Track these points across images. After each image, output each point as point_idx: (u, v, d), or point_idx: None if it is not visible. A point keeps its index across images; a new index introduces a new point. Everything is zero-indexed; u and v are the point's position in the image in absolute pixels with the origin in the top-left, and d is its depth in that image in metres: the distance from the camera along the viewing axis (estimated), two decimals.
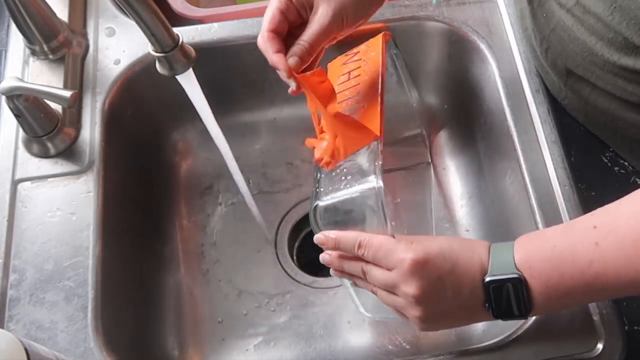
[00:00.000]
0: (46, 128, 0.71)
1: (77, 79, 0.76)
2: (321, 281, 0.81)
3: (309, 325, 0.79)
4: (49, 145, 0.72)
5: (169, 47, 0.60)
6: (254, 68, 0.83)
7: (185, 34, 0.73)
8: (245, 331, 0.78)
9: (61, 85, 0.74)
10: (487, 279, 0.52)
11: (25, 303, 0.64)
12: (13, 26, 0.78)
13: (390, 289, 0.55)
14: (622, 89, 0.62)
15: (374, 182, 0.56)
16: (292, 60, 0.55)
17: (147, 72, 0.77)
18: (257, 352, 0.77)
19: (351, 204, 0.57)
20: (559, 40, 0.66)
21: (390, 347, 0.76)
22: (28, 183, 0.70)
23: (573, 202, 0.67)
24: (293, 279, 0.82)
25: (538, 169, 0.69)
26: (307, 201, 0.87)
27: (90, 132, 0.73)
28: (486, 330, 0.69)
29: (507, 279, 0.51)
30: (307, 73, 0.57)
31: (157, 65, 0.62)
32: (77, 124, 0.74)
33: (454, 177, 0.87)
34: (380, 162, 0.57)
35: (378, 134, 0.60)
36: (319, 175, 0.60)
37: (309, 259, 0.86)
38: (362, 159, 0.59)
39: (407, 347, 0.75)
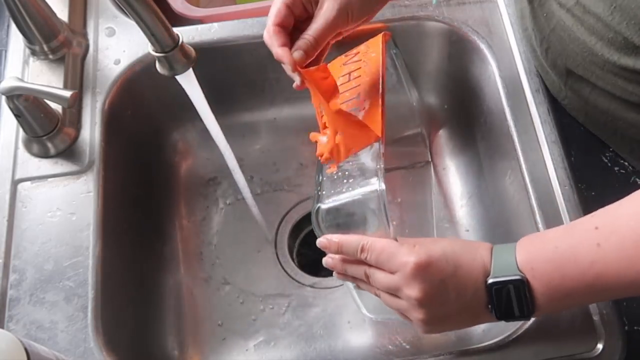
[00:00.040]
0: (46, 128, 0.71)
1: (77, 79, 0.76)
2: (321, 281, 0.81)
3: (309, 325, 0.79)
4: (49, 145, 0.72)
5: (169, 47, 0.60)
6: (254, 68, 0.83)
7: (185, 34, 0.73)
8: (245, 331, 0.78)
9: (61, 85, 0.74)
10: (490, 280, 0.52)
11: (25, 303, 0.64)
12: (13, 26, 0.78)
13: (393, 292, 0.55)
14: (622, 88, 0.62)
15: (376, 184, 0.56)
16: (297, 54, 0.56)
17: (147, 72, 0.77)
18: (257, 352, 0.77)
19: (353, 206, 0.57)
20: (559, 40, 0.66)
21: (390, 347, 0.76)
22: (28, 183, 0.70)
23: (573, 202, 0.67)
24: (293, 279, 0.82)
25: (538, 169, 0.69)
26: (308, 201, 0.87)
27: (90, 132, 0.73)
28: (486, 330, 0.69)
29: (510, 280, 0.51)
30: (312, 68, 0.57)
31: (157, 65, 0.62)
32: (77, 124, 0.74)
33: (454, 177, 0.87)
34: (382, 165, 0.58)
35: (380, 135, 0.60)
36: (320, 178, 0.60)
37: (309, 259, 0.86)
38: (364, 161, 0.59)
39: (407, 347, 0.75)
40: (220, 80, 0.84)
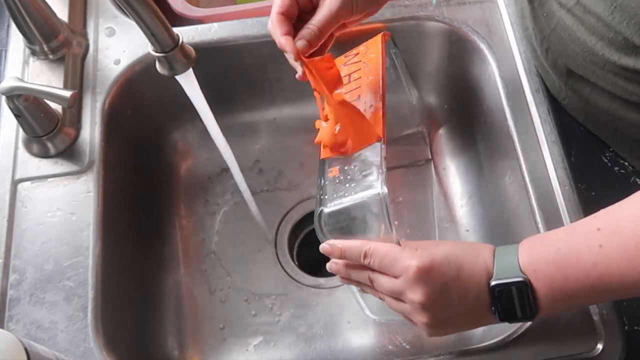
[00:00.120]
0: (46, 128, 0.71)
1: (77, 79, 0.76)
2: (321, 281, 0.81)
3: (309, 325, 0.79)
4: (49, 145, 0.72)
5: (169, 47, 0.60)
6: (254, 68, 0.83)
7: (185, 34, 0.73)
8: (245, 331, 0.78)
9: (61, 85, 0.74)
10: (493, 282, 0.52)
11: (25, 303, 0.64)
12: (13, 26, 0.78)
13: (397, 296, 0.55)
14: (622, 88, 0.62)
15: (378, 188, 0.56)
16: (300, 44, 0.55)
17: (147, 72, 0.77)
18: (257, 352, 0.77)
19: (356, 210, 0.57)
20: (560, 40, 0.66)
21: (390, 347, 0.76)
22: (28, 183, 0.70)
23: (573, 202, 0.67)
24: (293, 279, 0.82)
25: (538, 169, 0.69)
26: (308, 201, 0.87)
27: (90, 132, 0.73)
28: (486, 331, 0.69)
29: (513, 282, 0.52)
30: (316, 58, 0.57)
31: (157, 65, 0.62)
32: (77, 124, 0.74)
33: (454, 177, 0.87)
34: (384, 169, 0.58)
35: (381, 134, 0.60)
36: (322, 181, 0.60)
37: (309, 259, 0.86)
38: (366, 164, 0.59)
39: (407, 347, 0.75)
40: (220, 80, 0.84)
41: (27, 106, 0.67)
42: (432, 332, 0.55)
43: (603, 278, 0.49)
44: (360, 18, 0.61)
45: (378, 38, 0.71)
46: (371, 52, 0.70)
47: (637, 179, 0.69)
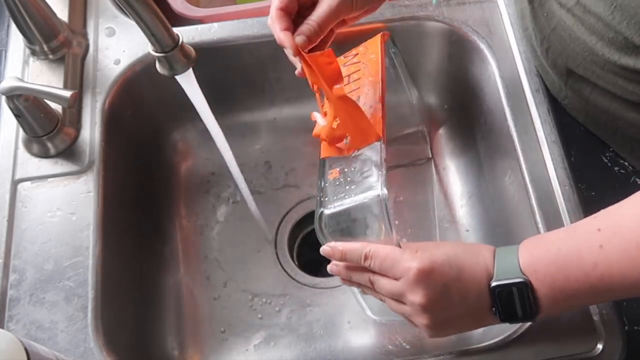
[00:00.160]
0: (46, 128, 0.71)
1: (77, 79, 0.76)
2: (321, 281, 0.81)
3: (309, 325, 0.79)
4: (49, 145, 0.72)
5: (169, 47, 0.60)
6: (254, 68, 0.83)
7: (185, 34, 0.73)
8: (245, 331, 0.78)
9: (61, 85, 0.74)
10: (493, 283, 0.52)
11: (25, 303, 0.64)
12: (13, 26, 0.78)
13: (398, 298, 0.55)
14: (622, 88, 0.62)
15: (378, 190, 0.56)
16: (299, 39, 0.55)
17: (147, 72, 0.77)
18: (257, 352, 0.77)
19: (356, 212, 0.57)
20: (560, 40, 0.66)
21: (390, 347, 0.76)
22: (28, 183, 0.70)
23: (573, 202, 0.67)
24: (293, 279, 0.82)
25: (538, 169, 0.69)
26: (308, 201, 0.87)
27: (90, 132, 0.73)
28: (486, 331, 0.69)
29: (513, 283, 0.52)
30: (316, 53, 0.56)
31: (157, 65, 0.62)
32: (77, 124, 0.74)
33: (454, 177, 0.87)
34: (384, 170, 0.58)
35: (380, 133, 0.60)
36: (323, 183, 0.60)
37: (309, 259, 0.86)
38: (366, 166, 0.59)
39: (407, 347, 0.75)
40: (220, 80, 0.84)
41: (27, 106, 0.67)
42: (433, 333, 0.55)
43: (604, 278, 0.49)
44: (360, 15, 0.61)
45: (377, 38, 0.71)
46: (370, 52, 0.70)
47: (637, 179, 0.69)
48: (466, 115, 0.84)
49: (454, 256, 0.54)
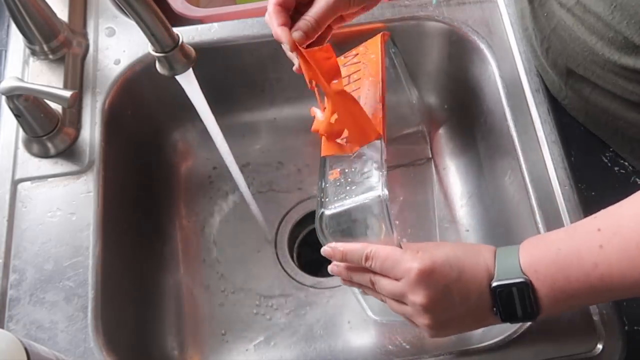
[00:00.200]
0: (46, 128, 0.71)
1: (77, 79, 0.76)
2: (321, 281, 0.81)
3: (309, 325, 0.79)
4: (49, 145, 0.72)
5: (169, 47, 0.60)
6: (254, 68, 0.83)
7: (185, 34, 0.73)
8: (245, 331, 0.78)
9: (61, 85, 0.74)
10: (494, 284, 0.53)
11: (25, 303, 0.64)
12: (13, 26, 0.78)
13: (399, 299, 0.55)
14: (622, 88, 0.62)
15: (379, 190, 0.56)
16: (297, 35, 0.55)
17: (147, 72, 0.77)
18: (257, 352, 0.77)
19: (357, 212, 0.57)
20: (560, 40, 0.66)
21: (390, 347, 0.76)
22: (28, 183, 0.70)
23: (573, 202, 0.67)
24: (293, 279, 0.82)
25: (538, 169, 0.69)
26: (308, 201, 0.87)
27: (90, 132, 0.73)
28: (486, 331, 0.69)
29: (514, 283, 0.52)
30: (314, 48, 0.56)
31: (157, 65, 0.62)
32: (77, 124, 0.74)
33: (454, 177, 0.87)
34: (385, 171, 0.58)
35: (381, 132, 0.60)
36: (323, 184, 0.60)
37: (309, 259, 0.86)
38: (367, 167, 0.59)
39: (407, 347, 0.75)
40: (220, 80, 0.84)
41: (27, 106, 0.67)
42: (434, 334, 0.55)
43: (604, 278, 0.49)
44: (358, 11, 0.61)
45: (377, 38, 0.71)
46: (371, 52, 0.70)
47: (637, 179, 0.69)
48: (466, 115, 0.84)
49: (455, 257, 0.54)
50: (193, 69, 0.63)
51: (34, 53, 0.76)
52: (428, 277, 0.52)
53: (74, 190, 0.70)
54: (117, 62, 0.78)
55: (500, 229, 0.77)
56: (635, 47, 0.58)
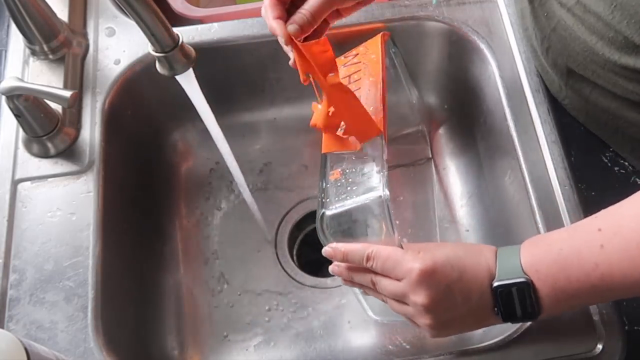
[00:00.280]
0: (46, 128, 0.71)
1: (77, 79, 0.76)
2: (321, 281, 0.81)
3: (309, 325, 0.79)
4: (49, 145, 0.72)
5: (169, 47, 0.60)
6: (254, 68, 0.83)
7: (185, 34, 0.73)
8: (245, 331, 0.78)
9: (61, 85, 0.74)
10: (495, 283, 0.53)
11: (25, 303, 0.64)
12: (13, 26, 0.78)
13: (400, 299, 0.55)
14: (622, 87, 0.62)
15: (380, 191, 0.56)
16: (292, 28, 0.55)
17: (147, 72, 0.77)
18: (257, 352, 0.77)
19: (358, 212, 0.57)
20: (560, 40, 0.66)
21: (390, 347, 0.76)
22: (28, 183, 0.70)
23: (573, 202, 0.67)
24: (293, 278, 0.82)
25: (538, 169, 0.69)
26: (308, 201, 0.87)
27: (90, 132, 0.73)
28: (486, 331, 0.69)
29: (515, 283, 0.52)
30: (310, 41, 0.56)
31: (157, 65, 0.62)
32: (77, 124, 0.74)
33: (454, 177, 0.87)
34: (385, 172, 0.58)
35: (381, 129, 0.60)
36: (324, 184, 0.60)
37: (309, 259, 0.86)
38: (368, 167, 0.59)
39: (407, 347, 0.75)
40: (220, 80, 0.84)
41: (27, 106, 0.67)
42: (436, 334, 0.56)
43: (604, 278, 0.49)
44: (355, 6, 0.60)
45: (377, 38, 0.71)
46: (371, 52, 0.70)
47: (637, 179, 0.69)
48: (466, 115, 0.84)
49: (456, 257, 0.54)
50: (193, 69, 0.63)
51: (34, 53, 0.75)
52: (429, 278, 0.52)
53: (74, 190, 0.70)
54: (117, 62, 0.78)
55: (500, 229, 0.77)
56: (635, 47, 0.58)
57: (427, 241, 0.83)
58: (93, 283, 0.65)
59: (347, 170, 0.60)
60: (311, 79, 0.58)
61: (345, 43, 0.75)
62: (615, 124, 0.67)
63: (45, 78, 0.74)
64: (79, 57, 0.77)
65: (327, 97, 0.59)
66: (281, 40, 0.56)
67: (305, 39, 0.56)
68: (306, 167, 0.89)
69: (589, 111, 0.70)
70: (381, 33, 0.72)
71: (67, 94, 0.65)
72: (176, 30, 0.60)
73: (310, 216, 0.87)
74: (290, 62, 0.58)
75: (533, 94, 0.74)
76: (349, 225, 0.58)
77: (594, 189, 0.69)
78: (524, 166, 0.70)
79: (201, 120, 0.69)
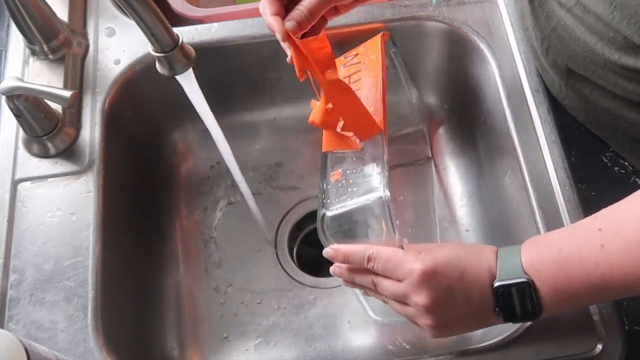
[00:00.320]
0: (46, 128, 0.71)
1: (77, 79, 0.76)
2: (321, 281, 0.81)
3: (309, 325, 0.79)
4: (49, 145, 0.72)
5: (169, 47, 0.60)
6: (254, 68, 0.83)
7: (185, 34, 0.73)
8: (245, 331, 0.78)
9: (61, 85, 0.74)
10: (496, 284, 0.53)
11: (25, 303, 0.64)
12: (13, 26, 0.78)
13: (401, 300, 0.55)
14: (622, 88, 0.62)
15: (380, 191, 0.56)
16: (289, 24, 0.55)
17: (147, 72, 0.77)
18: (257, 352, 0.77)
19: (358, 213, 0.57)
20: (560, 40, 0.66)
21: (390, 347, 0.76)
22: (28, 183, 0.70)
23: (573, 202, 0.67)
24: (293, 279, 0.82)
25: (538, 169, 0.69)
26: (308, 201, 0.87)
27: (90, 132, 0.73)
28: (486, 331, 0.69)
29: (516, 283, 0.52)
30: (308, 38, 0.56)
31: (157, 65, 0.62)
32: (77, 124, 0.74)
33: (454, 177, 0.87)
34: (386, 172, 0.58)
35: (382, 128, 0.60)
36: (325, 185, 0.60)
37: (309, 259, 0.86)
38: (368, 168, 0.59)
39: (407, 347, 0.75)
40: (220, 80, 0.84)
41: (27, 106, 0.67)
42: (436, 334, 0.56)
43: (605, 278, 0.49)
44: (353, 3, 0.60)
45: (377, 38, 0.71)
46: (371, 52, 0.70)
47: (637, 179, 0.69)
48: (466, 115, 0.84)
49: (457, 257, 0.54)
50: (193, 69, 0.63)
51: (34, 53, 0.75)
52: (430, 278, 0.52)
53: (74, 190, 0.70)
54: (117, 62, 0.78)
55: (500, 229, 0.77)
56: (635, 47, 0.58)
57: (427, 241, 0.83)
58: (93, 283, 0.65)
59: (348, 171, 0.60)
60: (309, 76, 0.58)
61: (345, 43, 0.75)
62: (615, 124, 0.67)
63: (45, 78, 0.74)
64: (79, 57, 0.77)
65: (325, 93, 0.59)
66: (279, 37, 0.56)
67: (303, 36, 0.56)
68: (306, 167, 0.89)
69: (589, 111, 0.70)
70: (381, 33, 0.72)
71: (67, 94, 0.65)
72: (176, 30, 0.60)
73: (310, 216, 0.87)
74: (288, 59, 0.58)
75: (533, 94, 0.74)
76: (350, 226, 0.58)
77: (594, 189, 0.69)
78: (524, 166, 0.70)
79: (201, 120, 0.69)
